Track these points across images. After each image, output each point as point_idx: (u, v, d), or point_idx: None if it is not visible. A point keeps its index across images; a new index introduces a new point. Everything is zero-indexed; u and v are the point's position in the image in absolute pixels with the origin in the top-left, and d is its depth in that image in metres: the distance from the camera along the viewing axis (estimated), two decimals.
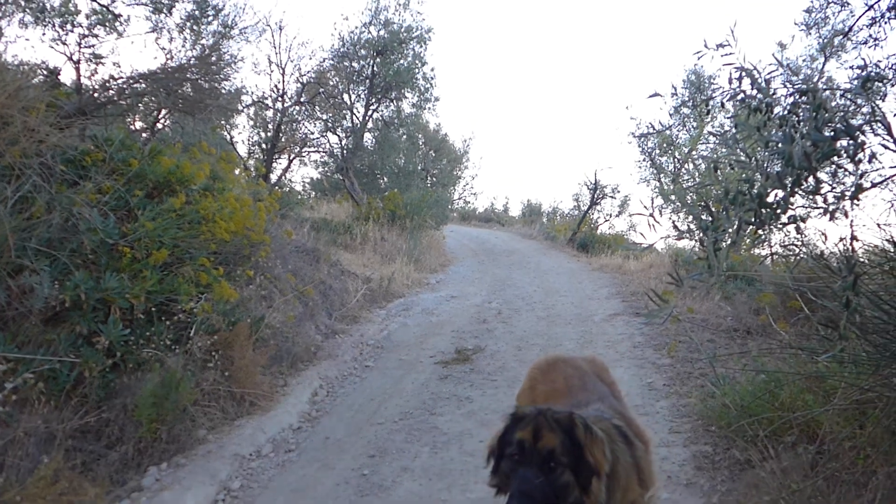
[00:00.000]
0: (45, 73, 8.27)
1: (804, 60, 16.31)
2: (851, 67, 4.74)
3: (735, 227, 2.93)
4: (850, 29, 4.67)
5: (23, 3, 8.39)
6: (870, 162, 2.88)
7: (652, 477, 2.61)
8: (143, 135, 9.86)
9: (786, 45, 15.71)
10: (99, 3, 8.66)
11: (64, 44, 8.73)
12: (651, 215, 3.04)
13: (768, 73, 3.07)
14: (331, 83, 17.26)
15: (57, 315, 4.66)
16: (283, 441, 5.31)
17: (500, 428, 2.45)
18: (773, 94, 3.01)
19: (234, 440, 5.06)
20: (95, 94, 8.16)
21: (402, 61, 17.80)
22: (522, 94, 79.59)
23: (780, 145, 2.81)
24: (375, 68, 17.65)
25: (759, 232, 3.03)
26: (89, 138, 6.07)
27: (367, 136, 19.94)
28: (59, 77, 8.43)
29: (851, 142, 2.77)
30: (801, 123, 2.89)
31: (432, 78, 18.60)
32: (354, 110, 18.47)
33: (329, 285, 9.45)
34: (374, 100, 18.46)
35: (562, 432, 2.30)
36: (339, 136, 18.30)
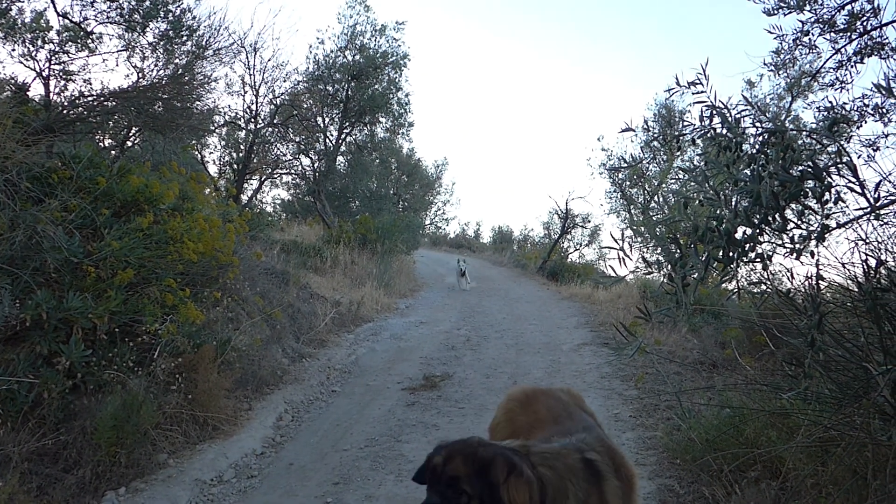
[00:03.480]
0: (13, 88, 8.18)
1: (772, 99, 16.74)
2: (818, 108, 4.85)
3: (703, 262, 2.96)
4: (818, 71, 4.78)
5: None
6: (835, 203, 2.93)
7: None
8: (112, 152, 9.77)
9: (754, 84, 16.07)
10: (71, 20, 8.59)
11: (34, 59, 8.65)
12: (621, 249, 3.06)
13: (738, 112, 3.13)
14: (304, 106, 17.28)
15: (16, 334, 4.57)
16: (245, 467, 5.22)
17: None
18: (743, 132, 3.06)
19: (195, 465, 4.97)
20: (64, 111, 8.08)
21: (376, 86, 17.93)
22: (496, 122, 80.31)
23: (748, 184, 2.86)
24: (350, 92, 17.72)
25: (728, 268, 3.06)
26: (56, 155, 6.00)
27: (340, 160, 19.99)
28: (27, 93, 8.34)
29: (818, 183, 2.82)
30: (770, 163, 2.94)
31: (407, 103, 18.79)
32: (328, 133, 18.49)
33: (297, 308, 9.38)
34: (347, 123, 18.52)
35: (476, 465, 2.25)
36: (311, 158, 18.31)
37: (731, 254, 2.95)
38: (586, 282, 17.57)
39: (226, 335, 6.47)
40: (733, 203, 3.00)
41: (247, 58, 15.02)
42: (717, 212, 2.99)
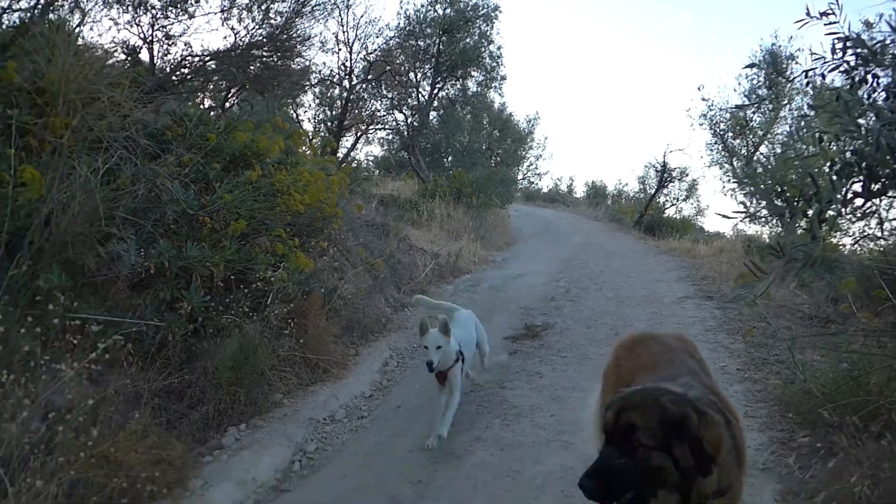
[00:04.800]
0: (125, 51, 8.52)
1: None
2: None
3: (841, 198, 2.80)
4: None
5: None
6: None
7: (746, 457, 2.50)
8: (212, 113, 10.07)
9: (872, 25, 14.94)
10: None
11: (138, 25, 8.95)
12: (755, 183, 2.95)
13: (874, 43, 2.93)
14: (397, 61, 17.30)
15: (142, 281, 4.84)
16: (355, 408, 5.42)
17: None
18: (884, 63, 2.86)
19: (308, 405, 5.19)
20: (169, 73, 8.36)
21: (468, 40, 17.74)
22: (588, 73, 78.42)
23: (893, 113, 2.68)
24: (441, 47, 17.61)
25: (869, 203, 2.87)
26: (167, 114, 6.23)
27: (433, 115, 19.96)
28: (138, 56, 8.67)
29: None
30: None
31: (499, 56, 18.51)
32: (420, 89, 18.50)
33: (398, 259, 9.55)
34: (439, 78, 18.44)
35: (656, 412, 2.20)
36: (404, 114, 18.36)
37: (872, 188, 2.78)
38: (685, 237, 17.13)
39: (332, 284, 6.66)
40: (878, 137, 2.79)
41: (340, 15, 15.15)
42: (859, 146, 2.80)
